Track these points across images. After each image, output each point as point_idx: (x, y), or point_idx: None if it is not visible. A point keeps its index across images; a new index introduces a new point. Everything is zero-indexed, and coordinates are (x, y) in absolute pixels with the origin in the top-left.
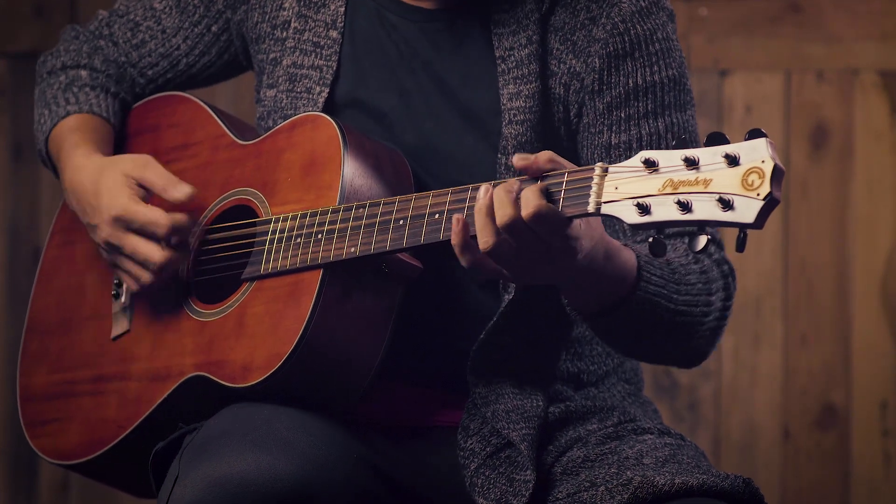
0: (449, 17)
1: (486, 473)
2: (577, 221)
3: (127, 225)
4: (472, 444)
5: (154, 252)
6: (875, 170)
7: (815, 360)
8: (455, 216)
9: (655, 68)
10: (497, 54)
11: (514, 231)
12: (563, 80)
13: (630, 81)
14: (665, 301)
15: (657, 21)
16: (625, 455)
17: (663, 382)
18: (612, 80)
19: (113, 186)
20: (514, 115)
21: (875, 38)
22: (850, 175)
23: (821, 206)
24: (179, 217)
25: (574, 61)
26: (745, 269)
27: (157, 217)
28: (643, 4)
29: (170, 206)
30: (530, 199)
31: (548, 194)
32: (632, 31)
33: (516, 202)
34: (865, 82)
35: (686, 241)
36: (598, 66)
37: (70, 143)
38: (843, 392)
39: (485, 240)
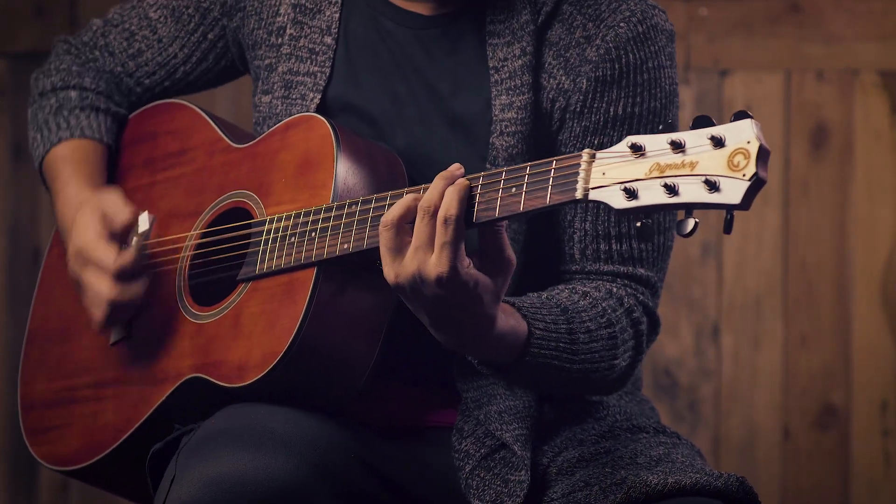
0: (444, 23)
1: (481, 475)
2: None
3: (84, 260)
4: (466, 445)
5: (104, 287)
6: (875, 170)
7: (815, 360)
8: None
9: (638, 99)
10: (491, 64)
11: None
12: (550, 95)
13: (611, 110)
14: (555, 371)
15: (652, 48)
16: (619, 454)
17: (663, 382)
18: (595, 106)
19: (85, 221)
20: (506, 127)
21: (875, 38)
22: (850, 175)
23: (821, 206)
24: (126, 257)
25: (564, 78)
26: (745, 268)
27: (106, 256)
28: (641, 29)
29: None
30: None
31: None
32: (623, 60)
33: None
34: (865, 82)
35: (612, 290)
36: (584, 87)
37: (61, 180)
38: (843, 392)
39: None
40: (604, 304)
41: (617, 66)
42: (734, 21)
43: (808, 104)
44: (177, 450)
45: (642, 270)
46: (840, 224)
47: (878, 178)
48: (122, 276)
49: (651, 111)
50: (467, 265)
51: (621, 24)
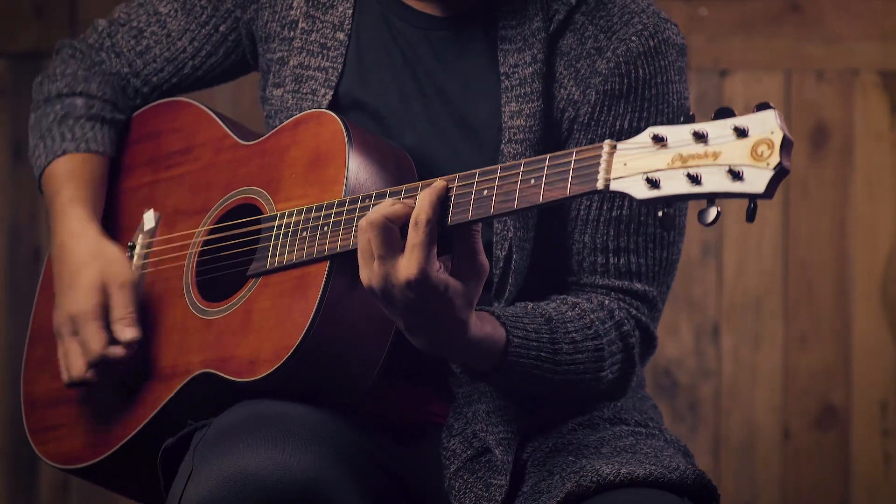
0: (454, 26)
1: (465, 477)
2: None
3: (74, 328)
4: (454, 444)
5: (77, 366)
6: (875, 170)
7: (815, 360)
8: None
9: (645, 114)
10: (501, 70)
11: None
12: (560, 105)
13: (617, 124)
14: (537, 380)
15: (662, 63)
16: (585, 443)
17: (663, 382)
18: (602, 119)
19: (88, 286)
20: (514, 134)
21: (875, 38)
22: (850, 175)
23: (821, 206)
24: (113, 351)
25: (574, 89)
26: (745, 268)
27: (95, 340)
28: (652, 44)
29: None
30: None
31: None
32: (632, 74)
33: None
34: (865, 82)
35: (604, 302)
36: (593, 100)
37: (65, 198)
38: (843, 392)
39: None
40: (592, 316)
41: (626, 81)
42: (734, 21)
43: (808, 104)
44: (189, 445)
45: (639, 285)
46: (840, 224)
47: (878, 178)
48: (100, 366)
49: None
50: (438, 268)
51: (633, 38)
